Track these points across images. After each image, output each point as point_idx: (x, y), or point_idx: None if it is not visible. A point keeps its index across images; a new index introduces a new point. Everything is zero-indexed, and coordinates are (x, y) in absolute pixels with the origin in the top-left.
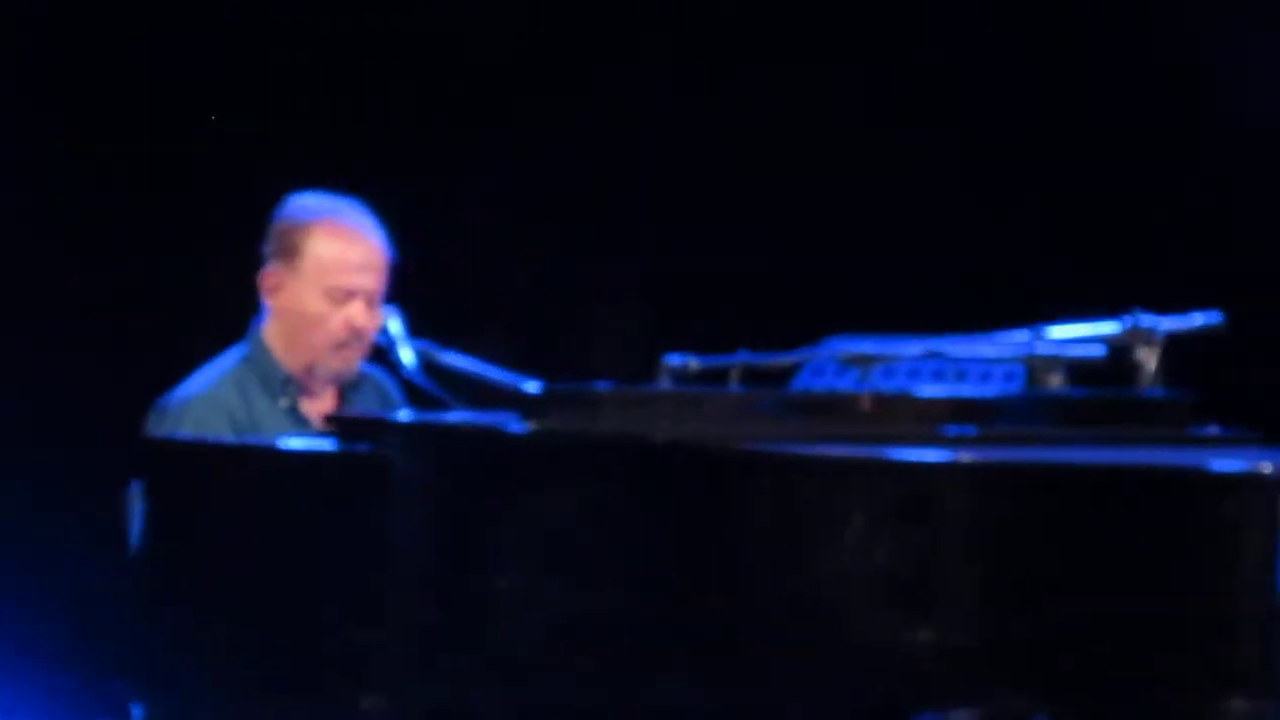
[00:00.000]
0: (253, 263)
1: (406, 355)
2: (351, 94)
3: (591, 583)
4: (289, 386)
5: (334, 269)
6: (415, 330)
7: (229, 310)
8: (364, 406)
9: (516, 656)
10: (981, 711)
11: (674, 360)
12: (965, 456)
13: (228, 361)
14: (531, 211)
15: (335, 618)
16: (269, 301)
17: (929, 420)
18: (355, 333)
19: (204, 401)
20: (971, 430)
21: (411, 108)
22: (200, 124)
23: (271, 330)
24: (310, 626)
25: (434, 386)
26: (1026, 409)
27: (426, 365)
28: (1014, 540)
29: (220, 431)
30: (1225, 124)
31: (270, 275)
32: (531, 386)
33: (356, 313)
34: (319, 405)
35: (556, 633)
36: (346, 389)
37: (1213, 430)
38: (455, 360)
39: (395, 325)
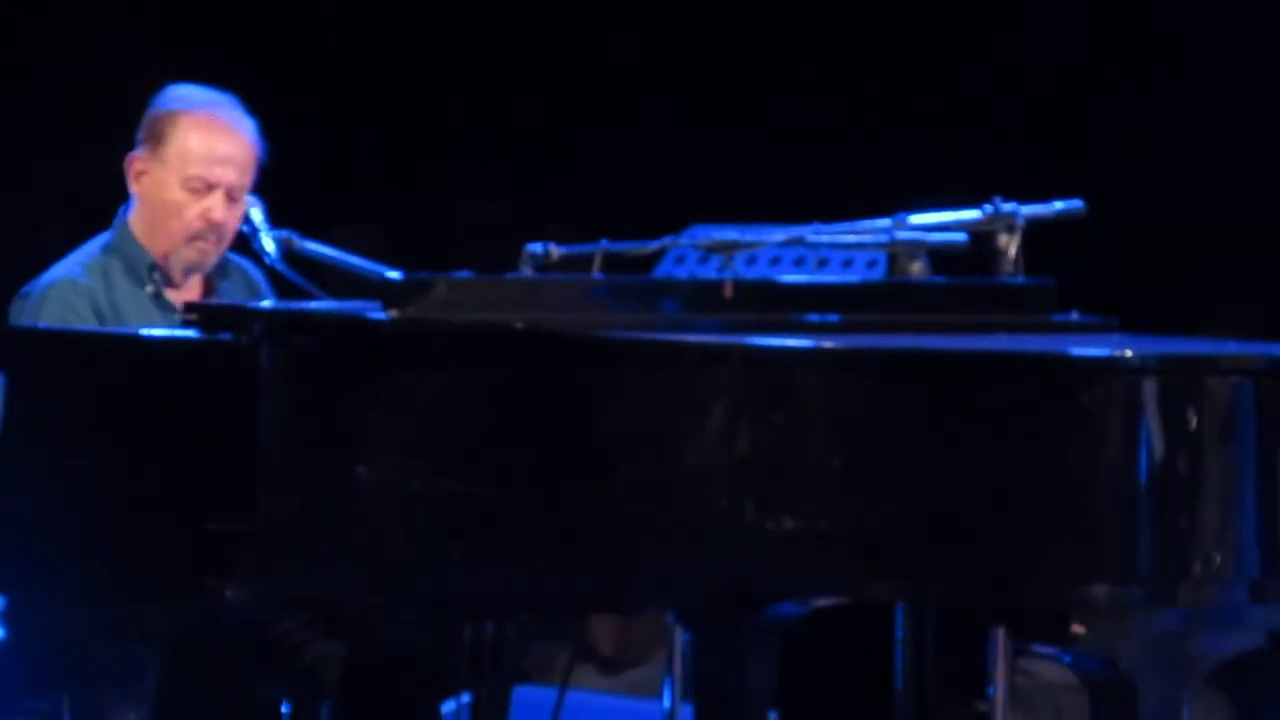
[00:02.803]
0: (124, 151)
1: (268, 244)
2: None
3: (453, 470)
4: (154, 273)
5: (197, 159)
6: (277, 219)
7: (99, 200)
8: (231, 296)
9: (380, 545)
10: (846, 598)
11: (535, 248)
12: (827, 343)
13: (92, 248)
14: (397, 100)
15: (199, 508)
16: (134, 187)
17: (791, 307)
18: (211, 225)
19: (66, 286)
20: (833, 317)
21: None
22: (69, 16)
23: (136, 216)
24: (174, 517)
25: (296, 275)
26: (888, 296)
27: (288, 254)
28: (876, 428)
29: (83, 317)
30: (1083, 13)
31: (136, 160)
32: (393, 274)
33: (214, 205)
34: (185, 294)
35: (419, 520)
36: (214, 278)
37: (1074, 317)
38: (317, 249)
39: (257, 214)
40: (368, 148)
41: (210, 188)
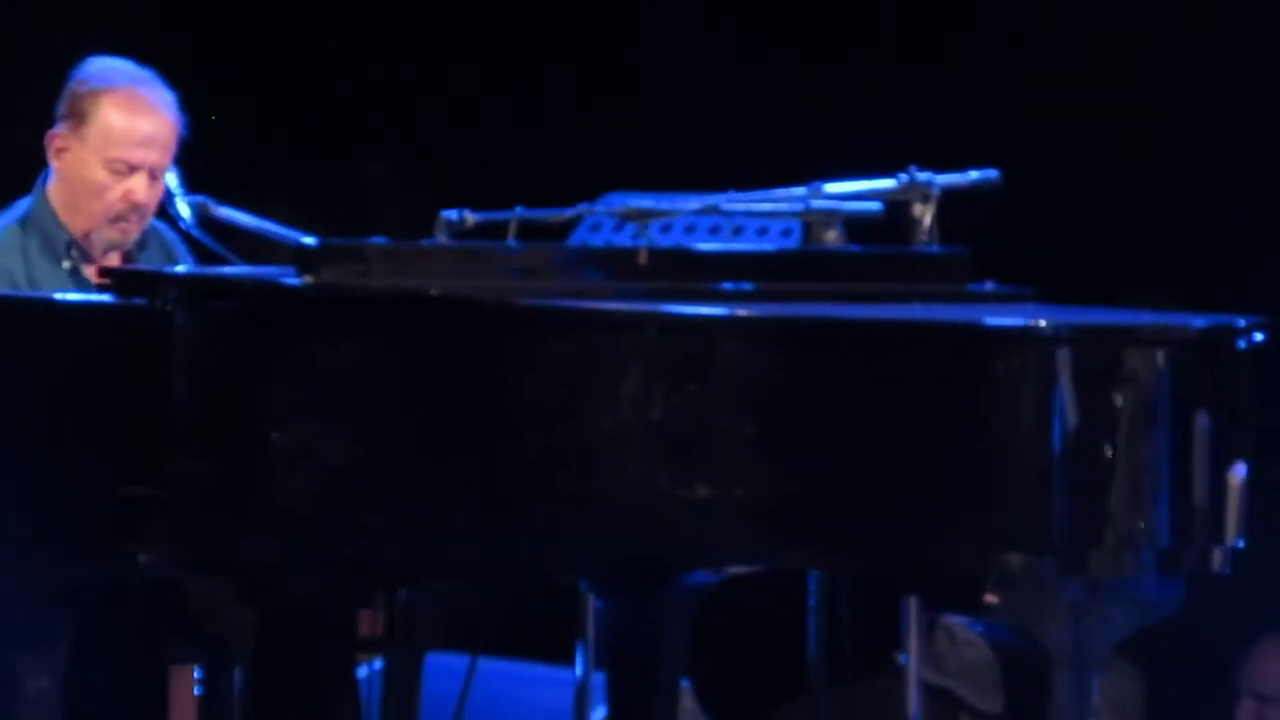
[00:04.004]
0: (45, 121)
1: (183, 209)
2: None
3: (368, 436)
4: (72, 250)
5: (119, 141)
6: (193, 185)
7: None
8: (149, 264)
9: (294, 510)
10: (759, 567)
11: (450, 215)
12: (742, 311)
13: (9, 218)
14: (316, 68)
15: (113, 472)
16: (54, 163)
17: (706, 275)
18: (134, 207)
19: None
20: (748, 286)
21: None
22: None
23: (55, 191)
24: (88, 482)
25: (211, 240)
26: (803, 264)
27: (203, 219)
28: (790, 396)
29: None
30: None
31: (57, 138)
32: (308, 240)
33: (137, 186)
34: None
35: (333, 486)
36: (133, 251)
37: (989, 286)
38: (232, 214)
39: (172, 179)
40: (281, 113)
41: (133, 169)
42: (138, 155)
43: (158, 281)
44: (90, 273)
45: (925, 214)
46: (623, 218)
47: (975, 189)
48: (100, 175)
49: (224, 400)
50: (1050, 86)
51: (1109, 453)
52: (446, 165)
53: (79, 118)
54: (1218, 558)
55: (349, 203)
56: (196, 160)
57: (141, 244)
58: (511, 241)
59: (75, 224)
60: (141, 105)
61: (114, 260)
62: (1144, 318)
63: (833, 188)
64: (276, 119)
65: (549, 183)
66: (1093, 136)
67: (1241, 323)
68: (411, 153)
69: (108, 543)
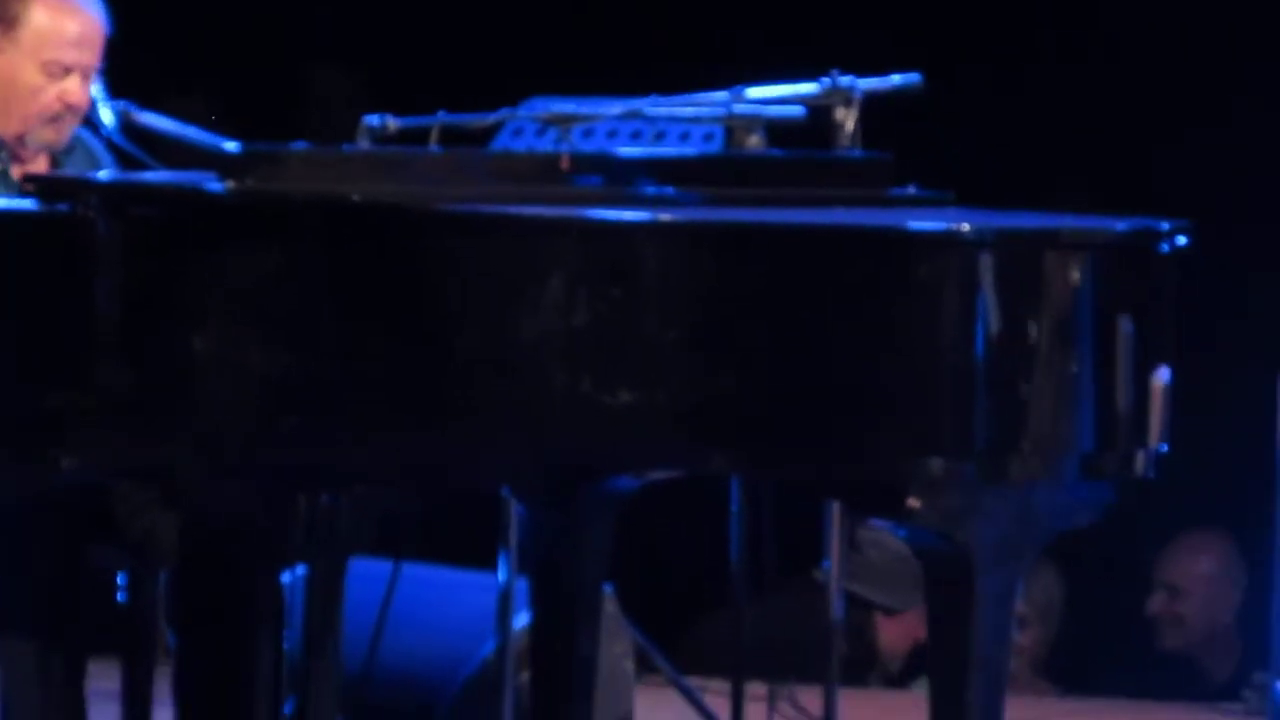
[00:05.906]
0: None
1: (105, 115)
2: None
3: (290, 342)
4: (1, 152)
5: (52, 42)
6: (117, 91)
7: None
8: (75, 171)
9: (217, 417)
10: (682, 471)
11: (372, 120)
12: (664, 216)
13: None
14: None
15: (36, 379)
16: None
17: (628, 180)
18: (69, 107)
19: None
20: (670, 191)
21: None
22: None
23: None
24: (9, 388)
25: (133, 147)
26: (725, 169)
27: (126, 125)
28: (714, 301)
29: None
30: None
31: None
32: (230, 145)
33: (72, 87)
34: (30, 170)
35: (255, 393)
36: (59, 155)
37: (911, 191)
38: (155, 120)
39: (94, 85)
40: (212, 16)
41: (66, 70)
42: (71, 56)
43: (80, 188)
44: (17, 173)
45: (847, 118)
46: (545, 123)
47: (897, 93)
48: (34, 78)
49: (147, 306)
50: None
51: (1031, 357)
52: (372, 70)
53: (8, 22)
54: (1141, 462)
55: (291, 111)
56: (121, 64)
57: (68, 149)
58: (434, 147)
59: (7, 128)
60: (71, 6)
61: (42, 164)
62: (1066, 221)
63: (755, 92)
64: (209, 19)
65: (471, 88)
66: (1014, 39)
67: (1164, 226)
68: (343, 60)
69: (31, 449)
